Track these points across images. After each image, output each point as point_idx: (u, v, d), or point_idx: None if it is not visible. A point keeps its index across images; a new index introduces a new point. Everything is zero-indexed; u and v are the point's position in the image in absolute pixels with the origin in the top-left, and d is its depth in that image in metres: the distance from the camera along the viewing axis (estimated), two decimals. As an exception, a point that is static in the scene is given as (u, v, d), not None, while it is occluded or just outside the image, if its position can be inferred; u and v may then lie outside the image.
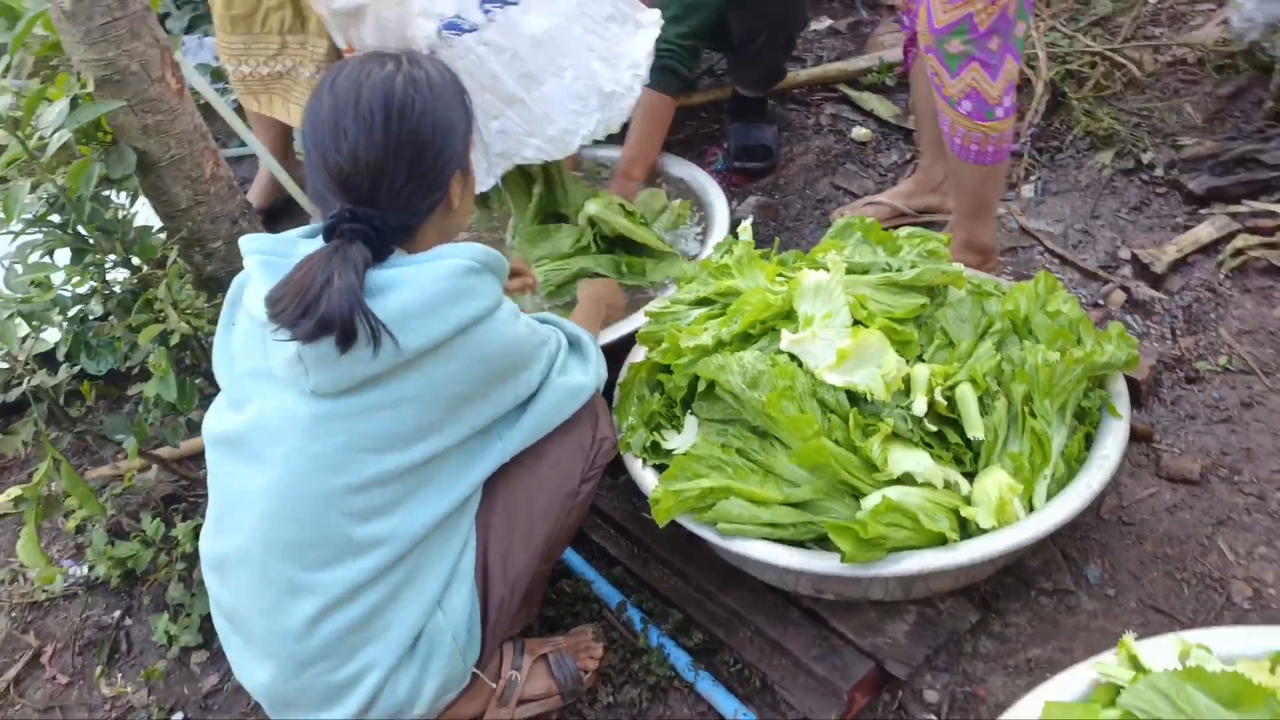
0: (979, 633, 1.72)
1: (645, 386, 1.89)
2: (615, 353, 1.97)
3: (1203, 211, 2.44)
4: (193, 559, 2.02)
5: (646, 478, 1.75)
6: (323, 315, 1.24)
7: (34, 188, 1.73)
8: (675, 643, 1.79)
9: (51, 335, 1.96)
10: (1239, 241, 2.30)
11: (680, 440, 1.77)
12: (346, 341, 1.26)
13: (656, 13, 2.30)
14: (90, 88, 1.74)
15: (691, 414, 1.79)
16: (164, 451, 2.14)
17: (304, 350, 1.30)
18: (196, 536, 1.80)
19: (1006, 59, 1.96)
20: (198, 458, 2.16)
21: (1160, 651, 1.36)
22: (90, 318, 1.85)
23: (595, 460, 1.65)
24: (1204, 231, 2.36)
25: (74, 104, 1.74)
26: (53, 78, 1.76)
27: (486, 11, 2.03)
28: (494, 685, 1.65)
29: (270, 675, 1.43)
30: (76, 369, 1.97)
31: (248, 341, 1.41)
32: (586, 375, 1.65)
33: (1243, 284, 2.24)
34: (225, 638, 1.54)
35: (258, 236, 1.44)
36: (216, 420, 1.48)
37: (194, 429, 2.04)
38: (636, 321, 2.03)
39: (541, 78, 2.10)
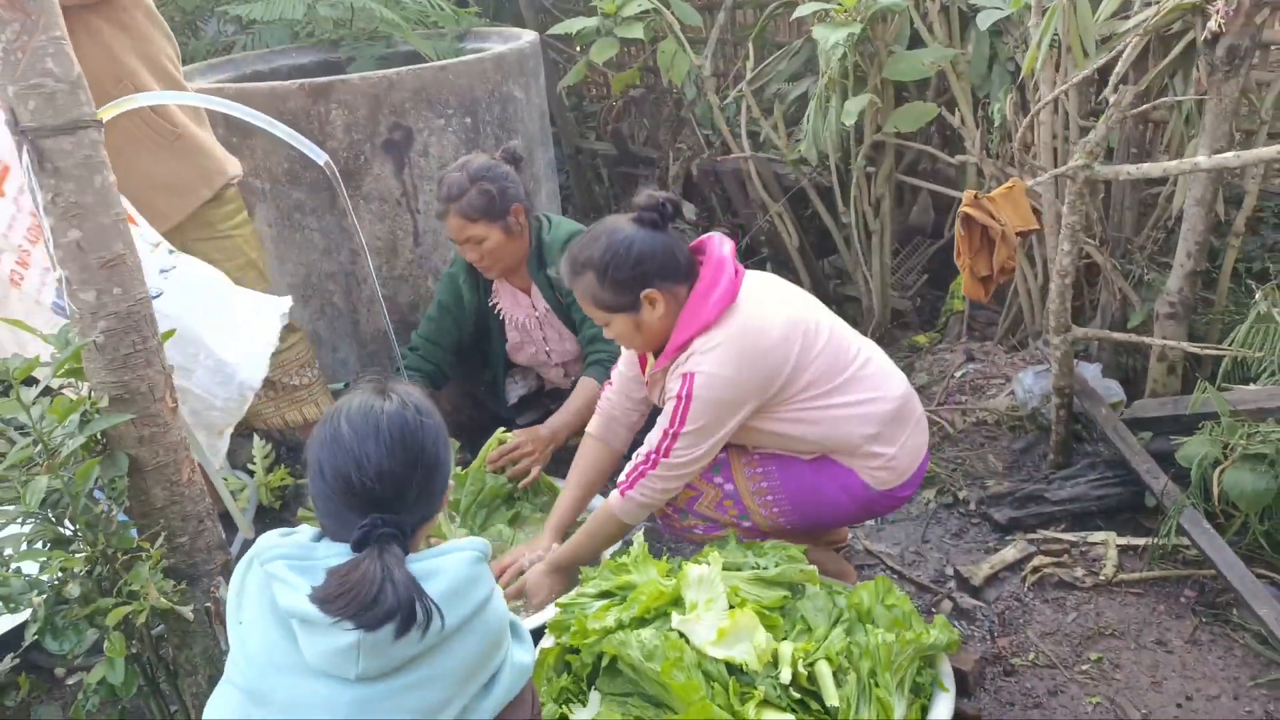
0: None
1: (553, 670, 2.18)
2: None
3: (1007, 538, 2.98)
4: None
5: (556, 747, 2.00)
6: (389, 606, 1.46)
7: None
8: None
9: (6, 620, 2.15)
10: (1036, 562, 2.83)
11: (586, 713, 2.04)
12: (407, 625, 1.48)
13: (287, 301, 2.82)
14: (104, 403, 2.10)
15: (596, 690, 2.08)
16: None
17: (364, 639, 1.49)
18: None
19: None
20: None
21: None
22: (67, 600, 2.05)
23: None
24: (1009, 553, 2.88)
25: (84, 417, 2.09)
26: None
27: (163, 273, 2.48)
28: None
29: None
30: (15, 660, 2.15)
31: (268, 638, 1.57)
32: (528, 655, 1.91)
33: (1041, 595, 2.73)
34: None
35: (277, 543, 1.63)
36: (230, 714, 1.59)
37: (124, 716, 2.21)
38: (548, 614, 2.35)
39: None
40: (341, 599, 1.48)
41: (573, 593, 2.32)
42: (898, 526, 3.15)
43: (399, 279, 3.84)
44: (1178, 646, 2.50)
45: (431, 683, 1.57)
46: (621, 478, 2.49)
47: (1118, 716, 2.31)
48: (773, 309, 2.41)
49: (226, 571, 2.29)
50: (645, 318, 2.41)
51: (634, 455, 2.49)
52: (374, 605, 1.47)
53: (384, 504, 1.60)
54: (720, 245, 2.47)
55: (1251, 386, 2.78)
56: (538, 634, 2.33)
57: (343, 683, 1.52)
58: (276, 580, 1.58)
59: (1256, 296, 2.86)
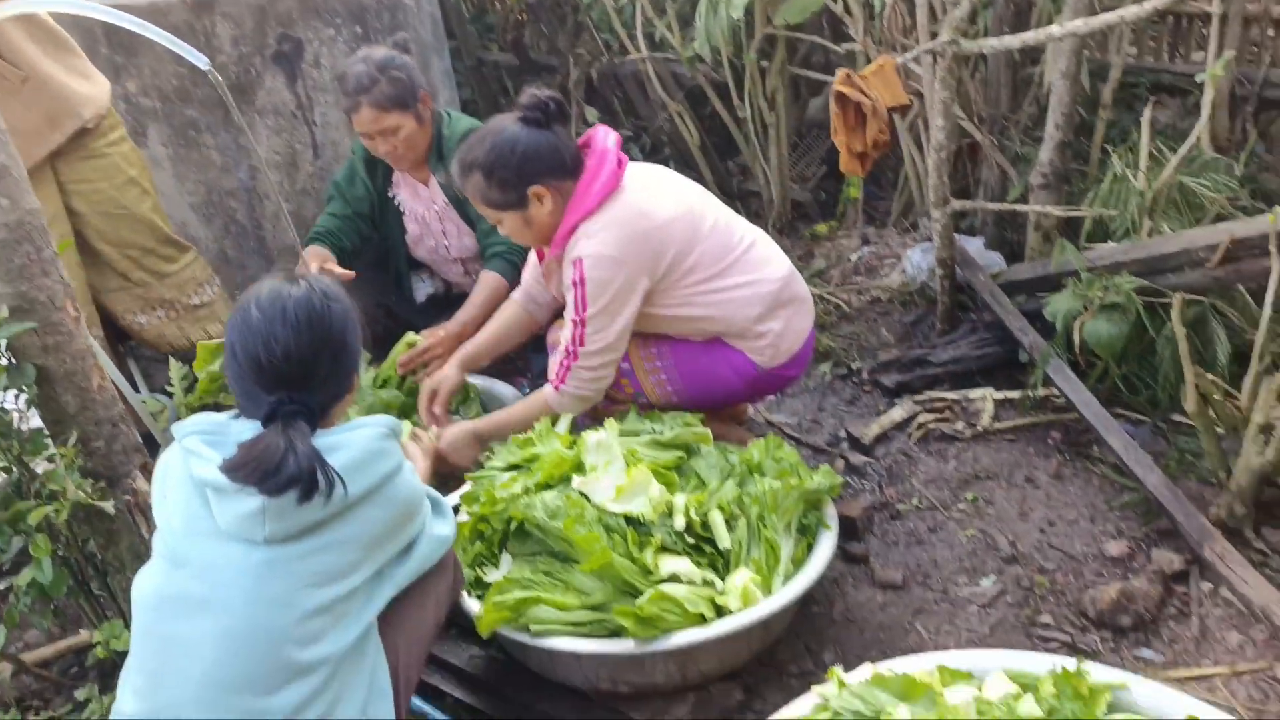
0: (744, 709, 2.15)
1: (468, 540, 2.32)
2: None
3: (895, 400, 3.18)
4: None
5: (472, 605, 2.15)
6: (290, 473, 1.58)
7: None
8: (501, 749, 2.13)
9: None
10: (920, 419, 3.04)
11: (498, 573, 2.19)
12: (310, 492, 1.60)
13: None
14: (3, 314, 2.14)
15: (506, 552, 2.23)
16: (27, 656, 2.34)
17: (268, 504, 1.61)
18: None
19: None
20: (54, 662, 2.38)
21: (858, 675, 1.85)
22: (-17, 508, 2.12)
23: (454, 596, 2.04)
24: (896, 413, 3.08)
25: (-13, 328, 2.13)
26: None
27: None
28: None
29: None
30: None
31: (188, 507, 1.69)
32: (447, 528, 2.05)
33: (925, 448, 2.95)
34: None
35: (190, 420, 1.76)
36: (151, 581, 1.71)
37: (58, 614, 2.30)
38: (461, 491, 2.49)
39: None
40: (247, 467, 1.60)
41: (482, 469, 2.46)
42: (796, 399, 3.33)
43: (302, 193, 3.86)
44: (1044, 482, 2.73)
45: (338, 547, 1.70)
46: (551, 375, 2.60)
47: (989, 544, 2.54)
48: (657, 195, 2.52)
49: (147, 472, 2.37)
50: (534, 214, 2.50)
51: (554, 354, 2.61)
52: (276, 473, 1.59)
53: (292, 383, 1.71)
54: (604, 137, 2.56)
55: (1109, 244, 2.99)
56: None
57: (252, 545, 1.65)
58: (192, 454, 1.70)
59: (1112, 159, 3.05)
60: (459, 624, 2.39)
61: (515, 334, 2.87)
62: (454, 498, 2.51)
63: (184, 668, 1.65)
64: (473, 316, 3.14)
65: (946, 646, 2.24)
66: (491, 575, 2.20)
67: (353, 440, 1.73)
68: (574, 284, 2.47)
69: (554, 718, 2.14)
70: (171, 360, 3.48)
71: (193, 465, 1.69)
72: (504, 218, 2.53)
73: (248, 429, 1.71)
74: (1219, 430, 2.48)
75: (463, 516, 2.40)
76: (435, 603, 1.96)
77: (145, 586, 1.72)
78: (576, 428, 2.53)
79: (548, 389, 2.60)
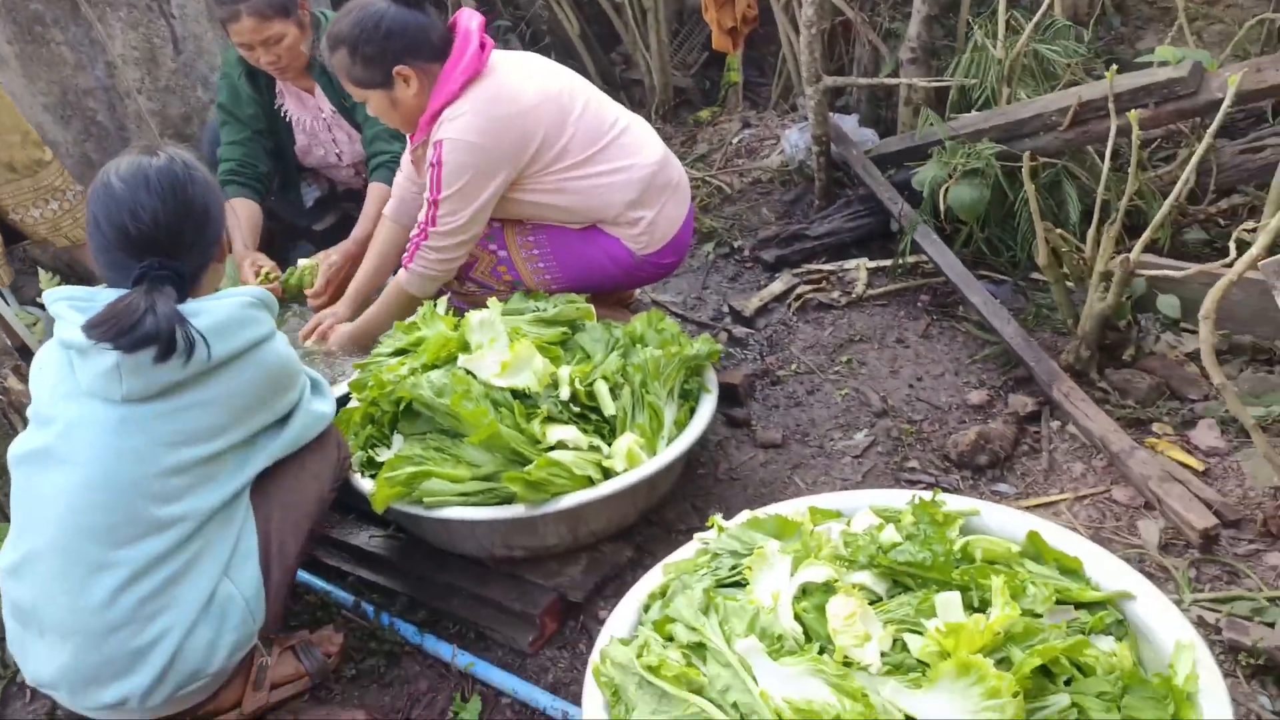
0: (636, 567, 2.26)
1: (359, 425, 2.35)
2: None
3: (775, 275, 3.29)
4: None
5: (365, 484, 2.19)
6: (147, 330, 1.61)
7: None
8: (403, 620, 2.21)
9: None
10: (799, 290, 3.15)
11: (390, 453, 2.24)
12: (167, 351, 1.63)
13: None
14: None
15: (398, 433, 2.27)
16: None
17: (123, 361, 1.64)
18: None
19: None
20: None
21: (737, 520, 1.97)
22: None
23: (340, 474, 2.09)
24: (776, 287, 3.19)
25: None
26: None
27: None
28: (265, 656, 1.99)
29: (70, 654, 1.70)
30: None
31: (56, 371, 1.73)
32: (326, 405, 2.09)
33: (803, 318, 3.07)
34: (15, 641, 1.78)
35: (61, 289, 1.77)
36: (20, 444, 1.76)
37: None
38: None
39: None
40: (105, 325, 1.63)
41: (369, 355, 2.48)
42: (681, 278, 3.41)
43: (165, 91, 3.70)
44: (913, 342, 2.89)
45: (200, 409, 1.74)
46: (405, 254, 2.61)
47: (862, 402, 2.69)
48: (523, 80, 2.50)
49: (20, 374, 2.33)
50: (400, 95, 2.47)
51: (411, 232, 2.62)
52: (133, 330, 1.62)
53: (160, 249, 1.73)
54: (468, 19, 2.52)
55: (971, 113, 3.11)
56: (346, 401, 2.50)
57: (111, 403, 1.69)
58: (60, 319, 1.73)
59: (974, 29, 3.15)
60: (357, 508, 2.44)
61: (395, 254, 2.86)
62: (341, 387, 2.54)
63: (44, 517, 1.71)
64: (367, 231, 3.07)
65: (822, 495, 2.39)
66: (384, 455, 2.24)
67: (218, 306, 1.77)
68: (432, 165, 2.46)
69: (454, 585, 2.22)
70: (40, 270, 3.38)
71: (59, 330, 1.72)
72: (370, 96, 2.50)
73: (115, 297, 1.71)
74: (1068, 283, 2.65)
75: (354, 404, 2.43)
76: (314, 478, 2.01)
77: (15, 449, 1.78)
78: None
79: (400, 271, 2.62)
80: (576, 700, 1.99)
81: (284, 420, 1.92)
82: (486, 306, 2.44)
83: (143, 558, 1.71)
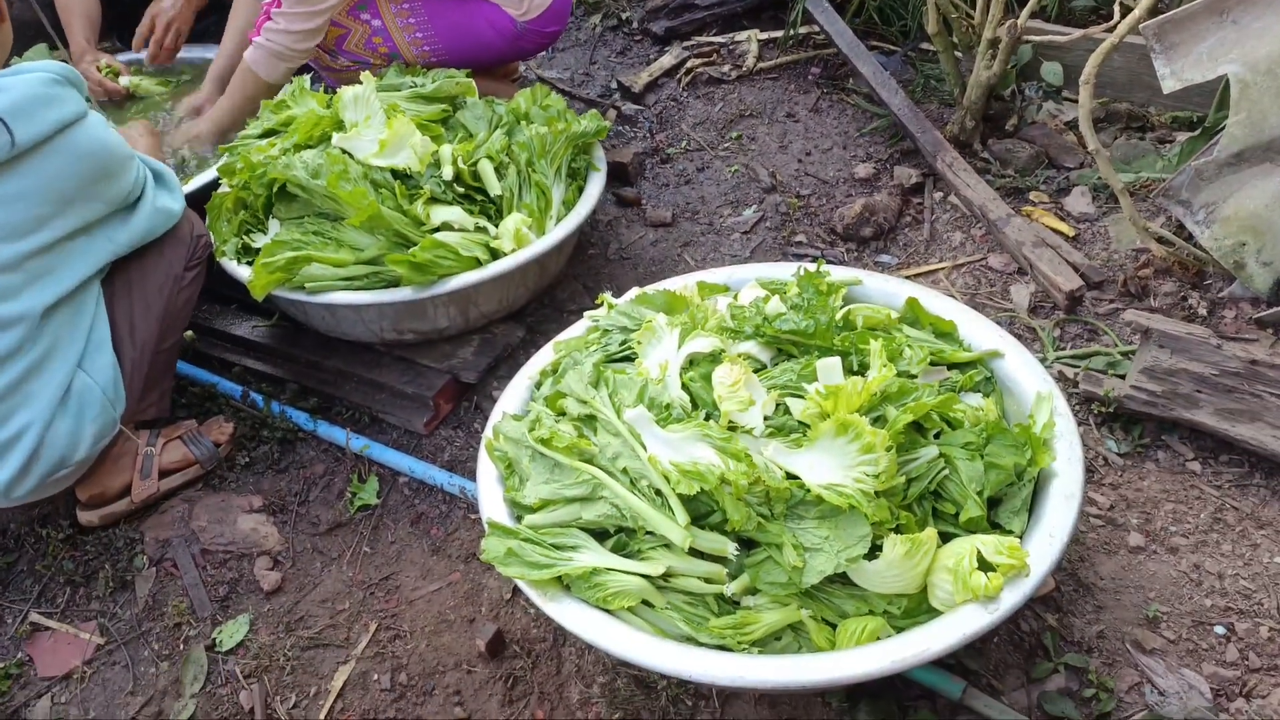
0: (528, 347, 2.28)
1: (230, 211, 2.24)
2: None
3: (665, 49, 3.17)
4: None
5: (242, 271, 2.11)
6: None
7: None
8: (295, 408, 2.19)
9: None
10: (689, 64, 3.05)
11: (266, 238, 2.15)
12: None
13: None
14: None
15: (273, 218, 2.17)
16: None
17: None
18: None
19: None
20: None
21: (627, 298, 1.98)
22: None
23: (195, 253, 2.00)
24: (665, 60, 3.09)
25: None
26: None
27: None
28: (135, 441, 1.97)
29: None
30: None
31: None
32: (176, 203, 1.98)
33: (694, 94, 3.00)
34: None
35: None
36: None
37: None
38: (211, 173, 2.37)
39: None
40: None
41: (235, 138, 2.33)
42: (568, 53, 3.27)
43: None
44: (803, 116, 2.85)
45: (15, 201, 1.62)
46: (253, 29, 2.41)
47: (751, 178, 2.68)
48: None
49: None
50: None
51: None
52: None
53: None
54: None
55: None
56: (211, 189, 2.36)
57: None
58: None
59: None
60: (239, 299, 2.37)
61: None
62: (209, 173, 2.39)
63: None
64: None
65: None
66: (259, 241, 2.15)
67: (13, 84, 1.61)
68: None
69: (344, 371, 2.21)
70: None
71: None
72: None
73: None
74: (957, 53, 2.63)
75: (223, 189, 2.31)
76: (162, 257, 1.94)
77: None
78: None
79: (248, 49, 2.41)
80: (473, 476, 2.04)
81: (129, 211, 1.82)
82: (360, 83, 2.29)
83: None
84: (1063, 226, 2.32)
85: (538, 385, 1.83)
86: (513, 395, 1.81)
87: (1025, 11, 2.27)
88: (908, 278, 2.30)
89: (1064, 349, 2.10)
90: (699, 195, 2.65)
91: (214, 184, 2.36)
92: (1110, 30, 1.98)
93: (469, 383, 2.16)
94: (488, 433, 1.71)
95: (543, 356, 1.88)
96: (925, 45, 2.97)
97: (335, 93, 2.35)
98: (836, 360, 1.62)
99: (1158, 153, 2.46)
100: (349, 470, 2.09)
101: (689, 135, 2.84)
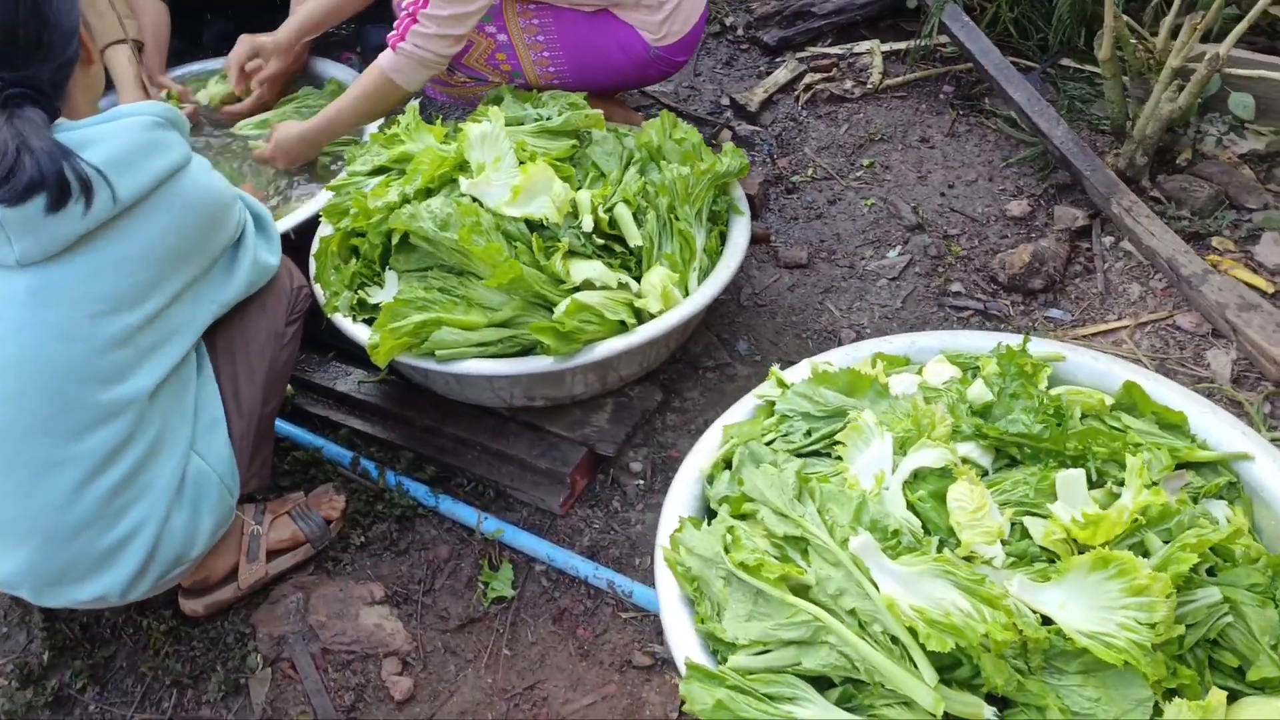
0: (664, 410, 2.07)
1: (339, 257, 2.01)
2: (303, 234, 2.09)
3: (777, 60, 2.92)
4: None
5: (359, 331, 1.89)
6: (30, 175, 1.25)
7: None
8: (411, 478, 1.98)
9: None
10: (807, 79, 2.81)
11: (385, 294, 1.92)
12: (61, 198, 1.28)
13: None
14: None
15: (390, 270, 1.95)
16: None
17: (6, 216, 1.29)
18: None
19: None
20: None
21: (798, 372, 1.76)
22: None
23: (296, 306, 1.78)
24: (781, 75, 2.84)
25: None
26: None
27: None
28: (256, 525, 1.77)
29: (29, 555, 1.45)
30: None
31: None
32: (273, 256, 1.75)
33: (814, 112, 2.75)
34: None
35: None
36: None
37: None
38: (318, 203, 2.14)
39: None
40: None
41: (342, 174, 2.10)
42: (668, 63, 3.01)
43: None
44: (939, 141, 2.61)
45: (122, 265, 1.41)
46: (392, 32, 2.16)
47: (891, 213, 2.44)
48: None
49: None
50: None
51: (397, 7, 2.16)
52: (10, 177, 1.26)
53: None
54: None
55: None
56: (310, 227, 2.14)
57: (10, 271, 1.36)
58: None
59: None
60: (337, 346, 2.15)
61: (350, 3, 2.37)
62: (297, 217, 2.16)
63: None
64: (315, 13, 2.47)
65: (861, 324, 2.19)
66: (377, 296, 1.93)
67: (111, 132, 1.39)
68: None
69: (466, 439, 1.99)
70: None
71: None
72: None
73: None
74: (1124, 78, 2.38)
75: (326, 230, 2.08)
76: (263, 311, 1.73)
77: None
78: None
79: (383, 55, 2.15)
80: (619, 567, 1.84)
81: (231, 263, 1.61)
82: (472, 102, 2.06)
83: (100, 449, 1.44)
84: (1259, 281, 2.09)
85: (709, 479, 1.62)
86: (682, 493, 1.59)
87: (1229, 40, 2.03)
88: (1086, 337, 2.08)
89: (1277, 426, 1.88)
90: (834, 232, 2.42)
91: (312, 222, 2.14)
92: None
93: (606, 455, 1.95)
94: (662, 539, 1.50)
95: (709, 444, 1.66)
96: (1067, 61, 2.72)
97: (452, 121, 2.13)
98: (1079, 474, 1.40)
99: (1351, 193, 2.22)
100: (478, 554, 1.88)
101: (814, 161, 2.60)
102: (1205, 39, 2.22)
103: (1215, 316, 2.00)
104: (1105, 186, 2.23)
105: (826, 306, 2.24)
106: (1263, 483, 1.50)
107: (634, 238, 1.95)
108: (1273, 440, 1.86)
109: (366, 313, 1.93)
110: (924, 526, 1.38)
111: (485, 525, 1.88)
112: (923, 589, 1.29)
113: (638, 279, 1.95)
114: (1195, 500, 1.48)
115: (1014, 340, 1.67)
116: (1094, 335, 2.08)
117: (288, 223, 2.12)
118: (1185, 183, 2.29)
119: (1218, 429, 1.57)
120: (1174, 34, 2.18)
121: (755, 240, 2.40)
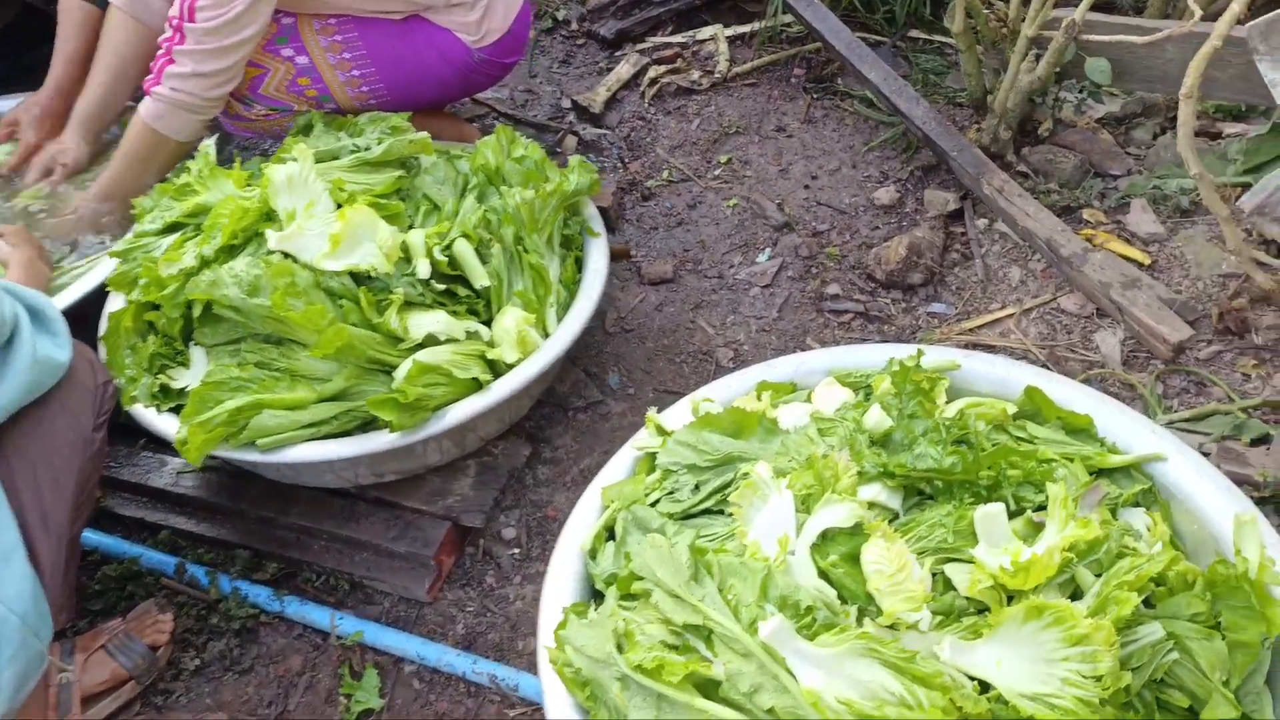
0: (534, 464, 1.85)
1: (135, 334, 1.72)
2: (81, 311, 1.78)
3: (617, 54, 2.72)
4: None
5: (165, 423, 1.61)
6: None
7: None
8: (250, 581, 1.71)
9: None
10: (651, 73, 2.61)
11: (191, 375, 1.64)
12: None
13: None
14: None
15: (195, 345, 1.67)
16: None
17: None
18: None
19: None
20: None
21: (678, 415, 1.57)
22: None
23: (103, 406, 1.49)
24: (623, 70, 2.64)
25: None
26: None
27: None
28: (65, 670, 1.48)
29: None
30: None
31: None
32: (60, 351, 1.45)
33: (663, 108, 2.56)
34: None
35: None
36: None
37: None
38: (102, 272, 1.83)
39: None
40: None
41: (128, 235, 1.80)
42: (499, 66, 2.77)
43: None
44: (796, 129, 2.46)
45: None
46: (150, 74, 1.86)
47: (755, 212, 2.28)
48: None
49: None
50: None
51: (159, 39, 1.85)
52: None
53: None
54: None
55: None
56: (97, 299, 1.83)
57: None
58: None
59: None
60: (147, 432, 1.85)
61: (135, 60, 2.02)
62: (84, 285, 1.84)
63: None
64: (74, 59, 2.13)
65: (737, 341, 2.02)
66: (183, 378, 1.65)
67: None
68: None
69: (309, 528, 1.73)
70: None
71: None
72: None
73: None
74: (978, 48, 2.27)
75: (117, 302, 1.78)
76: (65, 412, 1.44)
77: None
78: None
79: (143, 103, 1.87)
80: (500, 654, 1.62)
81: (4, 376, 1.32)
82: (280, 135, 1.78)
83: None
84: (1135, 253, 2.01)
85: (591, 554, 1.42)
86: (562, 573, 1.39)
87: (1084, 5, 1.93)
88: (972, 330, 1.96)
89: (1171, 407, 1.80)
90: (697, 239, 2.24)
91: (98, 293, 1.83)
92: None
93: (473, 526, 1.72)
94: (545, 636, 1.30)
95: (587, 509, 1.46)
96: (916, 33, 2.61)
97: (256, 159, 1.85)
98: (999, 509, 1.26)
99: (1211, 150, 2.17)
100: (336, 661, 1.63)
101: (669, 163, 2.42)
102: (1056, 5, 2.13)
103: (1099, 296, 1.91)
104: (973, 166, 2.12)
105: (699, 324, 2.06)
106: (1178, 483, 1.40)
107: (479, 277, 1.72)
108: (1169, 423, 1.78)
109: (173, 399, 1.64)
110: (839, 595, 1.21)
111: (342, 627, 1.63)
112: (847, 673, 1.12)
113: (488, 324, 1.72)
114: (1114, 513, 1.37)
115: (904, 351, 1.53)
116: (980, 327, 1.97)
117: (65, 299, 1.80)
118: (1049, 154, 2.20)
119: (1126, 428, 1.47)
120: (1025, 1, 2.07)
121: (615, 257, 2.20)
